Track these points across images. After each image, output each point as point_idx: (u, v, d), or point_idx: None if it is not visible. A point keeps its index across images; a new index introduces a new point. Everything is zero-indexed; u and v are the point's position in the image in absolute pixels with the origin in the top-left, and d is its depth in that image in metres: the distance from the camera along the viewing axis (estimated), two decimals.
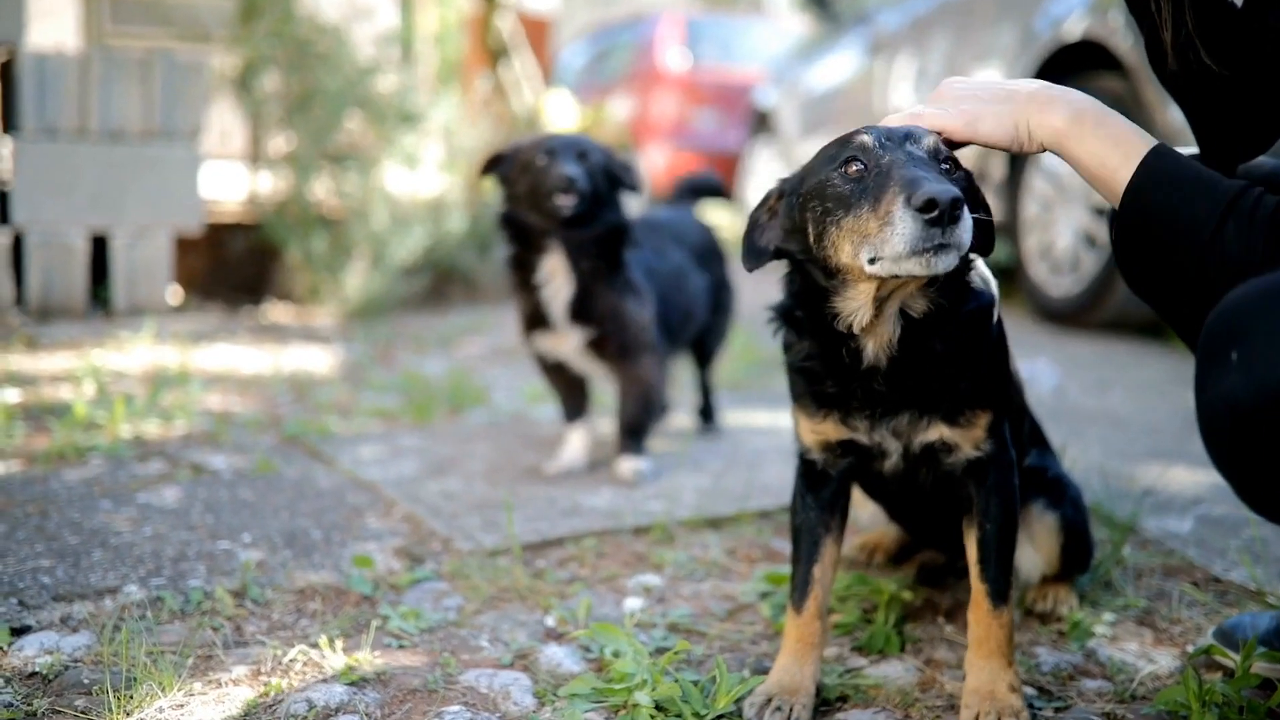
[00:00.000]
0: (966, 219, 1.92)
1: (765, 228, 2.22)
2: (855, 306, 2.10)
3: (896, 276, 1.96)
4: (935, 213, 1.86)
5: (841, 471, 2.38)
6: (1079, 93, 2.10)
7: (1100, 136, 2.04)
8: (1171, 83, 2.18)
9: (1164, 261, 1.99)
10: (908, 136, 2.06)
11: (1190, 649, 2.57)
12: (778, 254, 2.21)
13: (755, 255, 2.23)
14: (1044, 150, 2.12)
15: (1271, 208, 1.87)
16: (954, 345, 2.19)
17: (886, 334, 2.13)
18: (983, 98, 2.14)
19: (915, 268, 1.91)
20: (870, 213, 1.95)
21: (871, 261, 1.96)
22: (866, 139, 2.06)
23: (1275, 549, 3.13)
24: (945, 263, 1.91)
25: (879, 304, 2.09)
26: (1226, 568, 3.06)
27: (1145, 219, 1.98)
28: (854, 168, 2.02)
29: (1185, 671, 2.25)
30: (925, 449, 2.27)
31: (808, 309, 2.19)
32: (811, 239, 2.09)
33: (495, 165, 3.80)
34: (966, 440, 2.25)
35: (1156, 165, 1.99)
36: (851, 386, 2.20)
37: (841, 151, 2.07)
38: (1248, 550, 3.13)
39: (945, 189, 1.87)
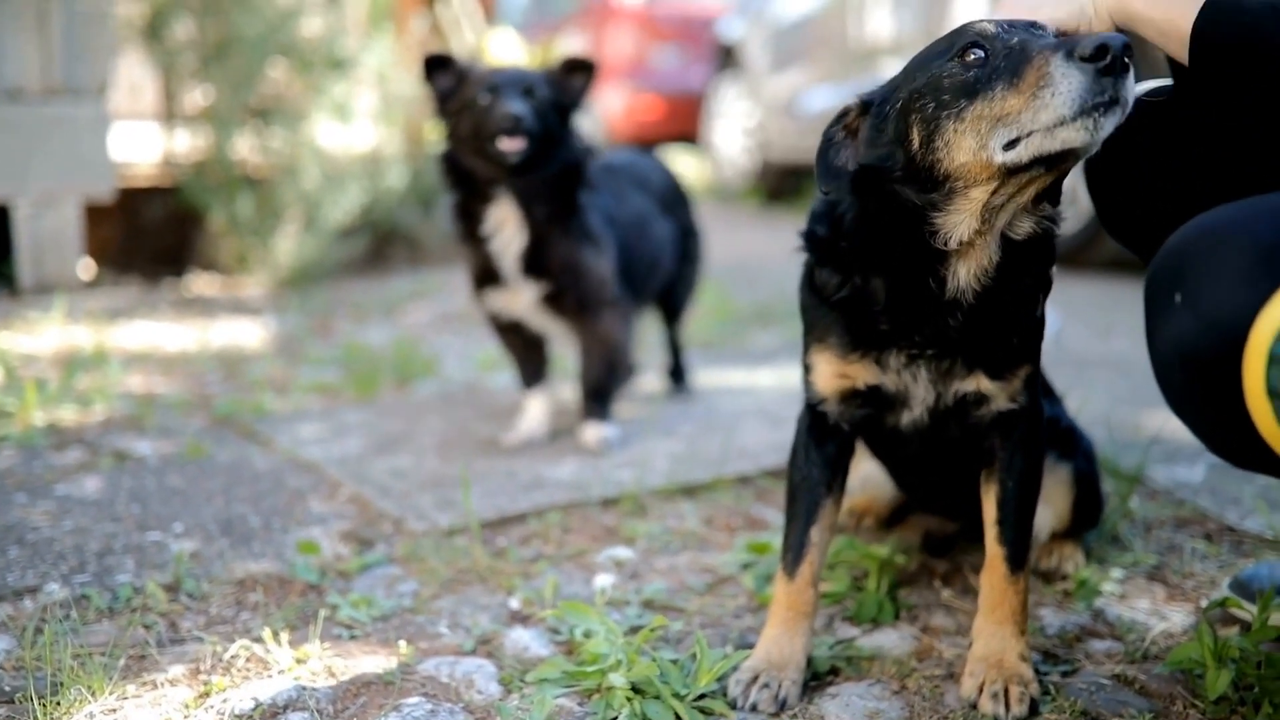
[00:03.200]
0: (1132, 74, 1.85)
1: (841, 145, 2.15)
2: (957, 220, 2.04)
3: (1034, 164, 1.91)
4: (1108, 59, 1.80)
5: (853, 425, 2.38)
6: None
7: None
8: None
9: (1243, 72, 1.98)
10: (1031, 24, 2.02)
11: (1204, 603, 2.61)
12: (860, 174, 2.13)
13: (833, 176, 2.15)
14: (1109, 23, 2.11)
15: None
16: (1039, 283, 2.21)
17: (986, 258, 2.09)
18: None
19: (1077, 135, 1.84)
20: (1008, 90, 1.90)
21: (1009, 145, 1.91)
22: (986, 25, 2.01)
23: None
24: (1110, 125, 1.85)
25: (986, 216, 2.03)
26: (1241, 516, 3.11)
27: (1218, 39, 1.97)
28: (973, 55, 1.97)
29: (1199, 627, 2.30)
30: (958, 400, 2.27)
31: (881, 233, 2.14)
32: (917, 144, 2.03)
33: (435, 70, 3.74)
34: (1004, 392, 2.26)
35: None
36: (918, 322, 2.17)
37: (955, 42, 2.02)
38: (1263, 497, 3.18)
39: (1114, 35, 1.81)
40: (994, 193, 2.00)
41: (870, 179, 2.12)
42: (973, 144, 1.95)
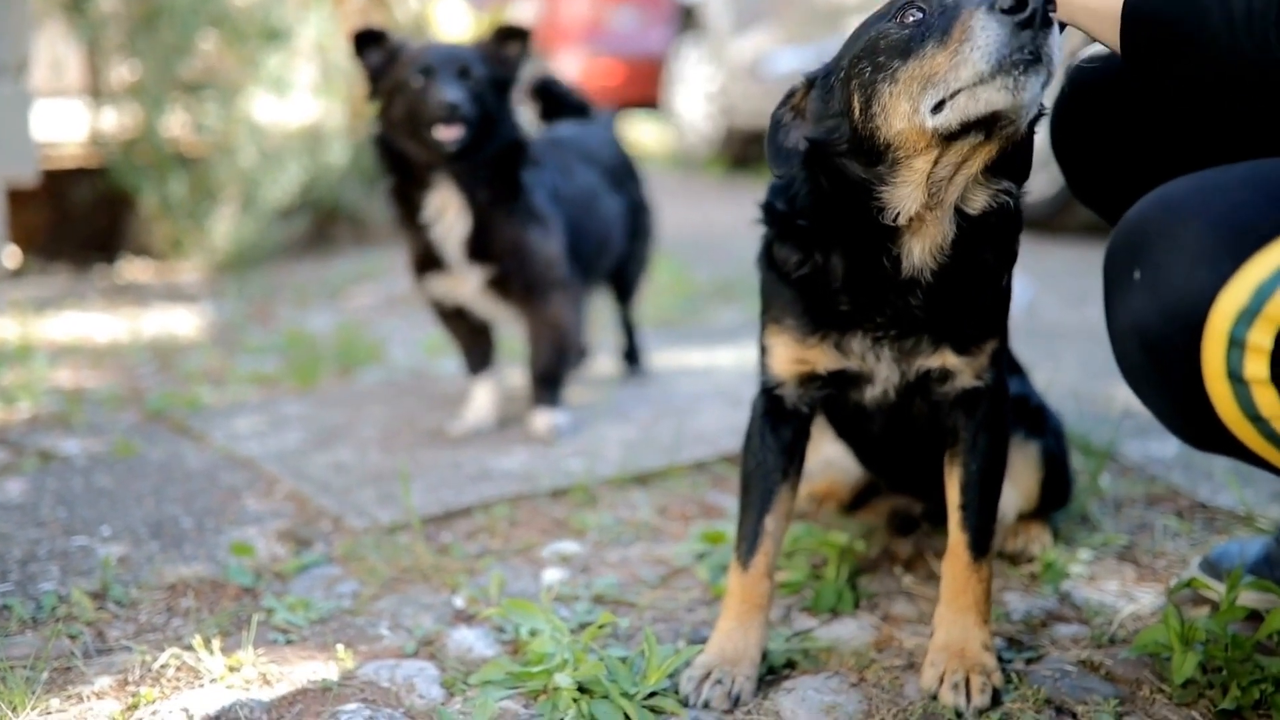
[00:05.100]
0: (1056, 31, 1.86)
1: (790, 127, 2.19)
2: (904, 193, 2.05)
3: (966, 129, 1.92)
4: (1026, 12, 1.80)
5: (811, 406, 2.40)
6: None
7: None
8: None
9: (1175, 55, 1.98)
10: None
11: (1174, 583, 2.65)
12: (808, 151, 2.15)
13: (784, 158, 2.18)
14: None
15: None
16: (1002, 258, 2.22)
17: (939, 234, 2.10)
18: None
19: (999, 95, 1.84)
20: (938, 47, 1.90)
21: (937, 108, 1.91)
22: None
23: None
24: (1034, 86, 1.85)
25: (933, 189, 2.04)
26: (1214, 492, 3.16)
27: (1150, 20, 1.99)
28: (911, 16, 1.98)
29: (1166, 609, 2.33)
30: (921, 377, 2.29)
31: (835, 210, 2.15)
32: (857, 112, 2.05)
33: (365, 46, 3.70)
34: (970, 368, 2.28)
35: None
36: (878, 301, 2.19)
37: (893, 4, 2.04)
38: (1235, 471, 3.22)
39: None
40: (936, 163, 2.01)
41: (819, 155, 2.14)
42: (907, 108, 1.96)
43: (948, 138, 1.95)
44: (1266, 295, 1.66)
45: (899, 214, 2.07)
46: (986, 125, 1.92)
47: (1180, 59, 1.96)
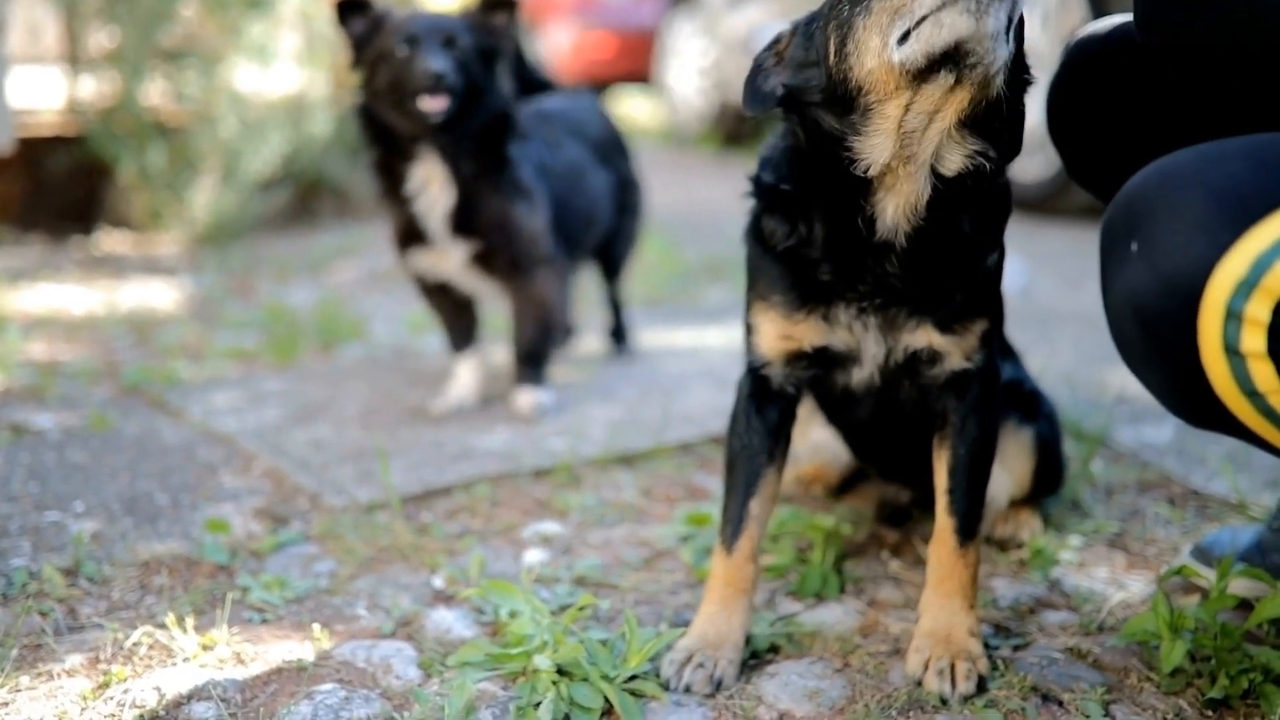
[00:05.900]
0: None
1: (771, 72, 2.21)
2: (876, 142, 2.06)
3: (932, 64, 1.92)
4: None
5: (797, 387, 2.41)
6: None
7: None
8: None
9: (1195, 12, 2.00)
10: None
11: (1165, 571, 2.66)
12: (784, 100, 2.18)
13: (760, 99, 2.20)
14: None
15: None
16: (980, 229, 2.22)
17: (913, 192, 2.11)
18: None
19: (961, 20, 1.85)
20: None
21: (904, 40, 1.93)
22: None
23: (1260, 456, 3.23)
24: (998, 14, 1.87)
25: (905, 140, 2.04)
26: (1206, 479, 3.17)
27: None
28: None
29: (1156, 597, 2.33)
30: (909, 358, 2.30)
31: (811, 169, 2.17)
32: (832, 55, 2.06)
33: (349, 14, 3.68)
34: (958, 349, 2.29)
35: None
36: (858, 268, 2.19)
37: None
38: (1230, 458, 3.24)
39: None
40: (907, 109, 2.02)
41: (796, 105, 2.16)
42: (877, 43, 1.97)
43: (917, 77, 1.96)
44: (1265, 267, 1.65)
45: (870, 165, 2.08)
46: (954, 61, 1.92)
47: (1199, 17, 1.97)
